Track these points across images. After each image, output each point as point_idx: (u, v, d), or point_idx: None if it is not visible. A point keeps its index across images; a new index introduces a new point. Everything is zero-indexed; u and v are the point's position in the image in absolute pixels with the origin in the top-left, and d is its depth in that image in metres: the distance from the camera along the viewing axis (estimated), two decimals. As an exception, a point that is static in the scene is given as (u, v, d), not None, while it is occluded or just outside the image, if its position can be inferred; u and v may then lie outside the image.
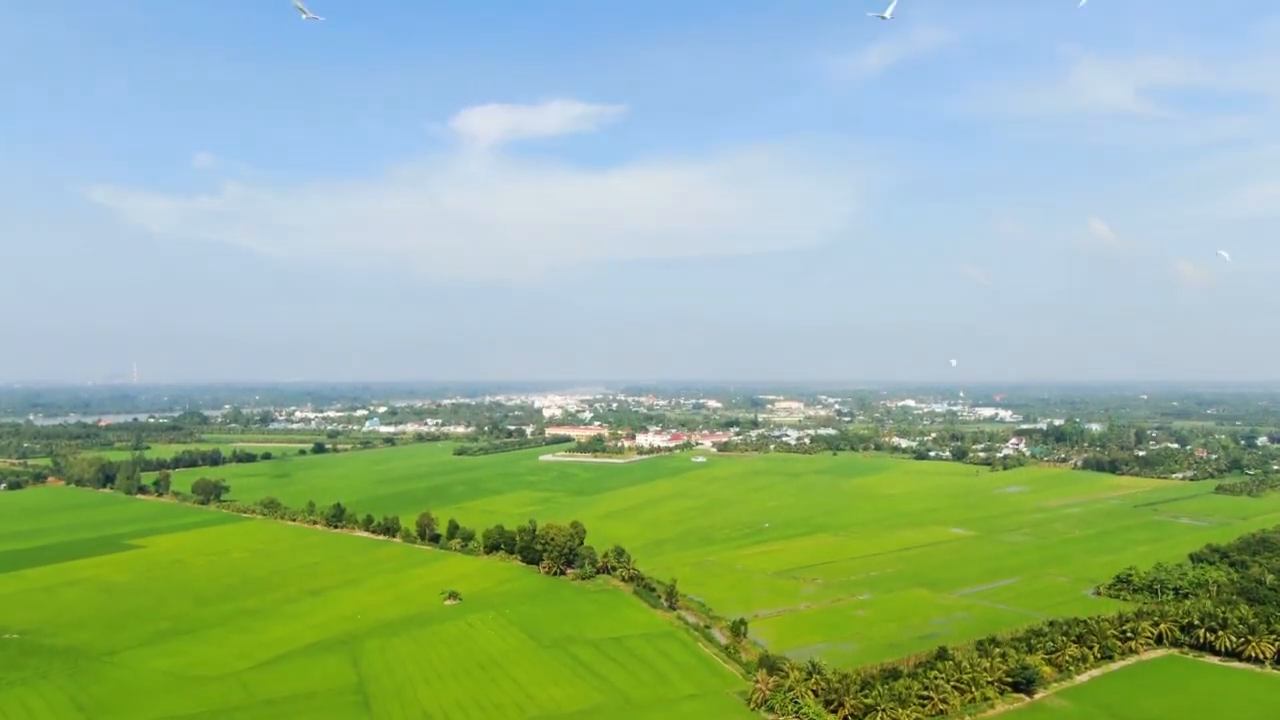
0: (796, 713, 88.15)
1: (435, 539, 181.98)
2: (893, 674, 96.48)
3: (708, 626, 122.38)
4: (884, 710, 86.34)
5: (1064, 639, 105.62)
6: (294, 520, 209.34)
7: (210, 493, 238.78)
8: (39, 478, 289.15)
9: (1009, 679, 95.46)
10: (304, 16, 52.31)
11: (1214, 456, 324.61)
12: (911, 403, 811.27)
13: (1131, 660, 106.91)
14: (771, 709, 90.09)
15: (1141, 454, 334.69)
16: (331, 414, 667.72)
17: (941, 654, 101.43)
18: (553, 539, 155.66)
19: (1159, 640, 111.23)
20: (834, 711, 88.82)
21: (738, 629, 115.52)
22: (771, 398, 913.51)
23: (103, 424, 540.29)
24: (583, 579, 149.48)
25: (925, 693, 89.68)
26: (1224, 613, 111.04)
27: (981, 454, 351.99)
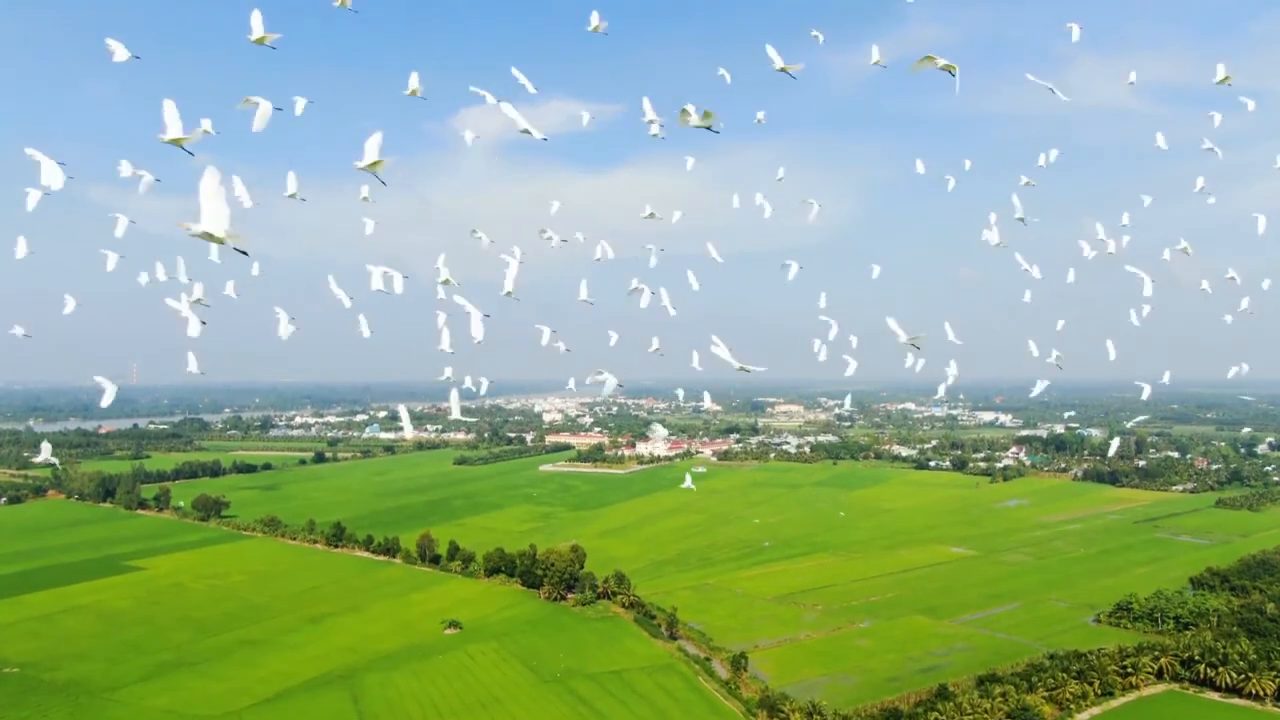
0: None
1: (436, 560, 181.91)
2: (893, 714, 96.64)
3: (708, 659, 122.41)
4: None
5: (1064, 675, 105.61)
6: (294, 539, 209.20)
7: (210, 509, 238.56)
8: (39, 491, 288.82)
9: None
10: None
11: (1215, 467, 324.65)
12: (911, 405, 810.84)
13: (1132, 696, 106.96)
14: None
15: (1142, 464, 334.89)
16: (331, 419, 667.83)
17: (942, 693, 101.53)
18: (553, 564, 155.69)
19: (1159, 675, 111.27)
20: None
21: (738, 663, 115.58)
22: (771, 400, 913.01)
23: (103, 430, 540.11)
24: (583, 605, 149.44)
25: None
26: (1224, 647, 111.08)
27: (982, 464, 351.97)
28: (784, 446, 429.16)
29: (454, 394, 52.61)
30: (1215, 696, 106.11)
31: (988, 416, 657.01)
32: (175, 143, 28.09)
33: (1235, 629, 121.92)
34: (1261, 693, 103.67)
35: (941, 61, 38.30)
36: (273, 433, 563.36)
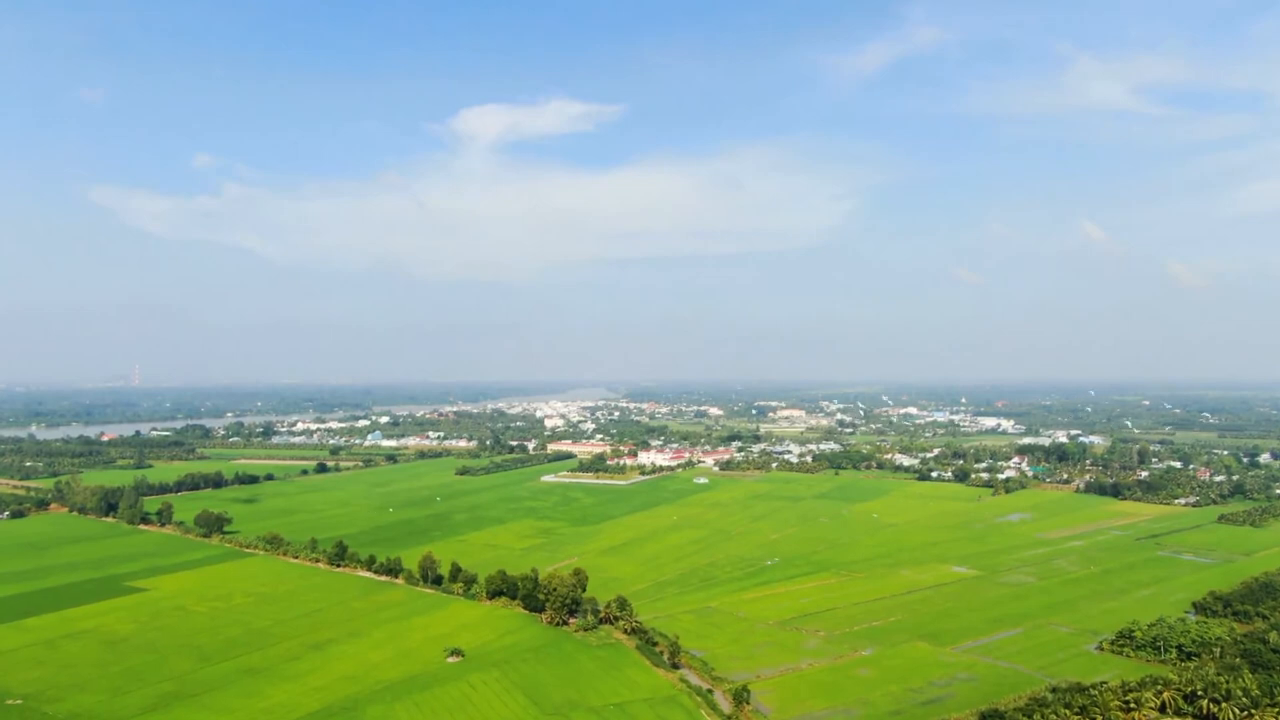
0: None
1: (438, 581, 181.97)
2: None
3: (710, 690, 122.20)
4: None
5: (1067, 711, 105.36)
6: (296, 558, 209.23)
7: (213, 525, 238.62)
8: (41, 504, 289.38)
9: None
10: None
11: (1218, 479, 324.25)
12: (914, 410, 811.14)
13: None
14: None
15: (1144, 475, 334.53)
16: (333, 424, 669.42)
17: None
18: (555, 589, 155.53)
19: (1162, 709, 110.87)
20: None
21: (741, 696, 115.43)
22: (773, 404, 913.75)
23: (105, 438, 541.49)
24: (585, 630, 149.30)
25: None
26: (1227, 682, 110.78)
27: (984, 474, 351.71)
28: (786, 456, 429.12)
29: None
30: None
31: (990, 422, 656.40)
32: None
33: (1238, 660, 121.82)
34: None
35: None
36: (275, 440, 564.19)
